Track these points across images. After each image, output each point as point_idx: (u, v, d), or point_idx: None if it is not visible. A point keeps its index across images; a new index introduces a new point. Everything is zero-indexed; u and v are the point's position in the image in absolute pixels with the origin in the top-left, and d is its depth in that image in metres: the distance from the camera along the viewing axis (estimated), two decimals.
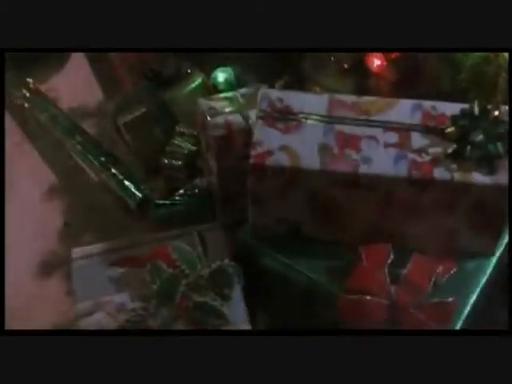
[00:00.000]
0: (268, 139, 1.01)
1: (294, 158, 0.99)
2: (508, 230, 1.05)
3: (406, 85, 1.17)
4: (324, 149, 1.00)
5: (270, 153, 1.00)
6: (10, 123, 1.60)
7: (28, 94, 1.55)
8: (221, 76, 1.32)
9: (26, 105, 1.55)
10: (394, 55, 1.18)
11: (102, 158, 1.38)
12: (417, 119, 1.03)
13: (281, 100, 1.05)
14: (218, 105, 1.16)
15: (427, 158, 0.99)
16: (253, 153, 1.00)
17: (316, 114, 1.04)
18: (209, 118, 1.14)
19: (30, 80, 1.57)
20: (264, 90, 1.08)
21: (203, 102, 1.18)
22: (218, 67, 1.32)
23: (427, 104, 1.05)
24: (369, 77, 1.16)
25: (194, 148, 1.31)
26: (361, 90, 1.15)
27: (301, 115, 1.04)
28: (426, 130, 1.02)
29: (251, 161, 1.00)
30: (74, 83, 1.68)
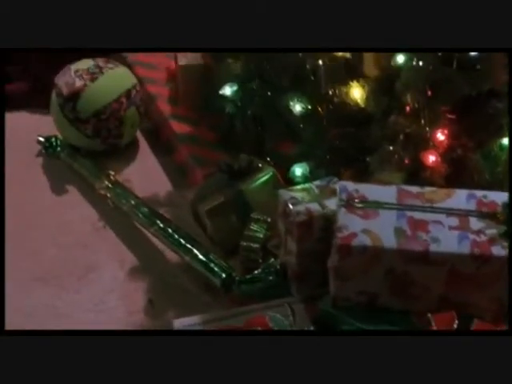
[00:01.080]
0: (351, 224, 1.21)
1: (375, 240, 1.18)
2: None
3: (455, 176, 1.38)
4: (399, 231, 1.20)
5: (354, 235, 1.19)
6: (90, 211, 1.78)
7: (110, 185, 1.74)
8: (298, 170, 1.53)
9: (108, 194, 1.73)
10: (443, 150, 1.39)
11: (183, 241, 1.56)
12: (472, 206, 1.24)
13: (357, 191, 1.26)
14: (297, 195, 1.36)
15: (485, 238, 1.19)
16: (339, 235, 1.20)
17: (388, 203, 1.24)
18: (291, 206, 1.33)
19: (111, 172, 1.76)
20: (342, 183, 1.28)
21: (284, 193, 1.38)
22: (295, 163, 1.53)
23: (479, 193, 1.26)
24: (425, 170, 1.37)
25: (268, 233, 1.49)
26: (417, 181, 1.35)
27: (376, 204, 1.24)
28: (481, 215, 1.22)
29: (338, 242, 1.20)
30: (144, 175, 1.88)
